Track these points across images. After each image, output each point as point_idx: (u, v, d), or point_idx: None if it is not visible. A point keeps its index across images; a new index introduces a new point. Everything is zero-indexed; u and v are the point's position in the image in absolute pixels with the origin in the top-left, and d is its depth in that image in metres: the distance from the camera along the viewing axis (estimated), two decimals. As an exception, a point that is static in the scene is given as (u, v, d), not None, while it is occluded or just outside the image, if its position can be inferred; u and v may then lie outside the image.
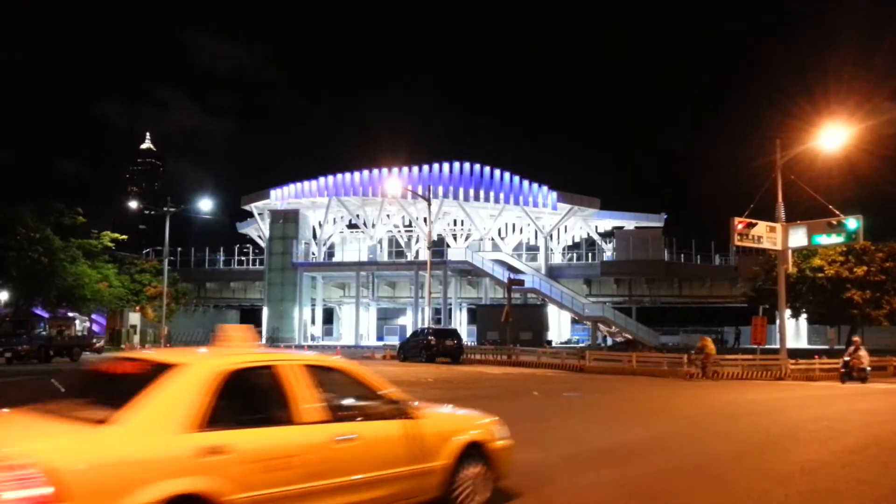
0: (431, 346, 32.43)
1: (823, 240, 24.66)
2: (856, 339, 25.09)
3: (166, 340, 39.60)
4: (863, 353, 23.34)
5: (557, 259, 61.09)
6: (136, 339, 49.92)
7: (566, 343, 54.28)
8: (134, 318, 51.02)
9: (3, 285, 39.44)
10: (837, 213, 23.73)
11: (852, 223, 23.43)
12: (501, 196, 55.08)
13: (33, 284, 37.47)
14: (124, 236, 48.54)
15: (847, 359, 23.46)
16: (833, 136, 23.82)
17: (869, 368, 23.24)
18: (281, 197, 59.90)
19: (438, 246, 55.49)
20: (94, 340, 36.85)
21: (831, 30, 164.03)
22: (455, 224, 63.22)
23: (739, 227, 23.91)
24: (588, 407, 15.45)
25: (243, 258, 66.76)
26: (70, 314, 37.05)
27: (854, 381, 22.51)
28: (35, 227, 38.01)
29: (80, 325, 35.51)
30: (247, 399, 4.76)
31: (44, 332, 31.97)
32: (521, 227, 61.61)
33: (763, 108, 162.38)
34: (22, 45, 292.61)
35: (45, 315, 36.61)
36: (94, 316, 43.09)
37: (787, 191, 24.64)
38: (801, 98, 67.65)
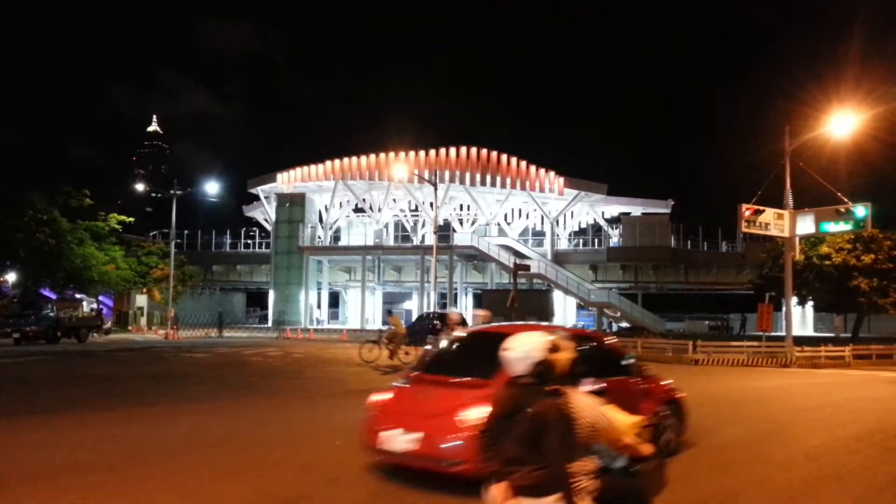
0: (437, 330, 32.39)
1: (831, 227, 24.52)
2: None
3: (173, 322, 39.77)
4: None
5: (564, 245, 60.97)
6: (143, 321, 50.19)
7: (571, 328, 54.18)
8: (141, 300, 51.29)
9: (10, 266, 39.64)
10: (846, 200, 23.60)
11: (860, 211, 23.29)
12: (508, 181, 54.87)
13: (41, 266, 37.67)
14: (131, 219, 48.73)
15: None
16: (842, 124, 23.57)
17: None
18: (288, 180, 59.83)
19: (444, 230, 55.44)
20: (101, 322, 37.07)
21: (842, 16, 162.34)
22: (461, 209, 63.11)
23: (747, 213, 23.80)
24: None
25: (250, 241, 66.89)
26: (77, 296, 37.21)
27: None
28: (42, 208, 38.18)
29: (87, 306, 35.67)
30: None
31: (51, 314, 32.07)
32: (527, 213, 61.47)
33: (772, 96, 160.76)
34: (29, 28, 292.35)
35: (53, 296, 36.79)
36: (101, 298, 43.28)
37: (795, 178, 24.52)
38: (810, 85, 67.16)
